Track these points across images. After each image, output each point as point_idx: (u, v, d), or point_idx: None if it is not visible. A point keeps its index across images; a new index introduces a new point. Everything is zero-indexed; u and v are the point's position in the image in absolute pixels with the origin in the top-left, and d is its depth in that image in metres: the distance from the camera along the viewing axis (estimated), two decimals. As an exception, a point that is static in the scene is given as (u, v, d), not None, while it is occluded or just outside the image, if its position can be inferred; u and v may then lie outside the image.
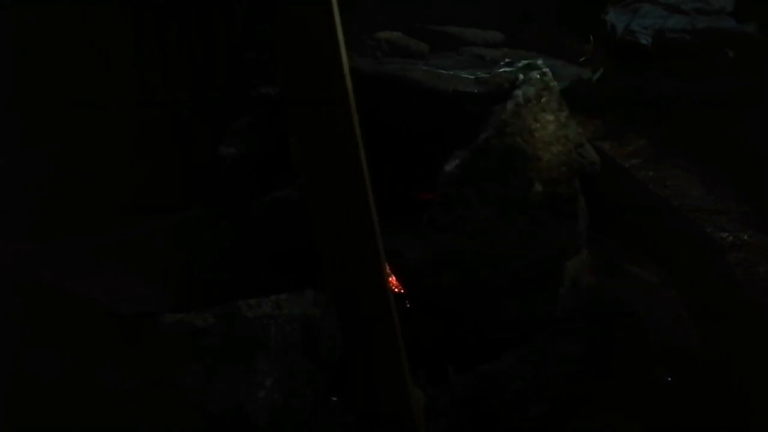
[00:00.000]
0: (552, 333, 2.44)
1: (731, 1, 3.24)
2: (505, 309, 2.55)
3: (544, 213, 2.55)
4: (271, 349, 2.18)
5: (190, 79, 3.44)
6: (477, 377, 2.35)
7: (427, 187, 2.72)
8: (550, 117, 2.61)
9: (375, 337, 2.07)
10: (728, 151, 2.88)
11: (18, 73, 3.12)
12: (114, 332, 2.47)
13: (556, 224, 2.57)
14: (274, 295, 2.28)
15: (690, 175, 2.91)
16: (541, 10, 4.08)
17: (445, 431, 2.26)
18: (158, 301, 2.63)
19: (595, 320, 2.40)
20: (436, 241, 2.57)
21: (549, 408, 2.27)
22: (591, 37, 3.61)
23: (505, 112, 2.59)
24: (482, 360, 2.41)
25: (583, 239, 2.70)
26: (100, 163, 3.21)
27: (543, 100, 2.62)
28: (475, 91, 2.77)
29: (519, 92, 2.62)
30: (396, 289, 2.63)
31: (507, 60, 2.96)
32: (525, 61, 2.79)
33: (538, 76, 2.65)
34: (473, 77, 2.84)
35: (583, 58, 3.62)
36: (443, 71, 2.93)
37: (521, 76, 2.69)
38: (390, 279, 2.48)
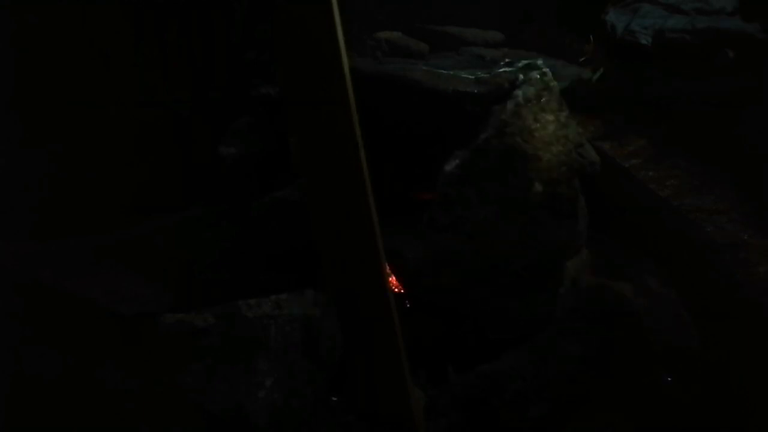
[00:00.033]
0: (552, 333, 2.44)
1: (731, 1, 3.24)
2: (505, 309, 2.55)
3: (544, 213, 2.55)
4: (271, 349, 2.18)
5: (190, 79, 3.44)
6: (477, 377, 2.35)
7: (427, 187, 2.72)
8: (550, 117, 2.61)
9: (375, 337, 2.07)
10: (728, 151, 2.88)
11: (18, 73, 3.12)
12: (114, 332, 2.47)
13: (556, 224, 2.57)
14: (274, 295, 2.28)
15: (690, 175, 2.91)
16: (541, 10, 4.08)
17: (445, 431, 2.26)
18: (158, 301, 2.64)
19: (595, 320, 2.40)
20: (436, 241, 2.57)
21: (549, 408, 2.27)
22: (591, 37, 3.61)
23: (505, 112, 2.59)
24: (482, 360, 2.41)
25: (583, 239, 2.70)
26: (100, 163, 3.21)
27: (543, 100, 2.62)
28: (475, 91, 2.77)
29: (519, 92, 2.62)
30: (396, 289, 2.63)
31: (507, 60, 2.96)
32: (525, 61, 2.79)
33: (538, 76, 2.66)
34: (473, 77, 2.84)
35: (583, 58, 3.62)
36: (443, 71, 2.93)
37: (521, 76, 2.69)
38: (390, 279, 2.48)
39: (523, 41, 3.85)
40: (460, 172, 2.57)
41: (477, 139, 2.59)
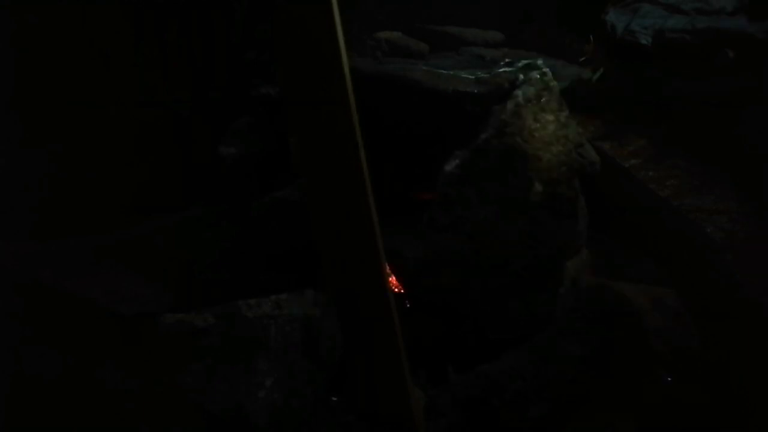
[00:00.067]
0: (552, 333, 2.44)
1: (731, 1, 3.24)
2: (505, 309, 2.55)
3: (544, 213, 2.55)
4: (271, 349, 2.18)
5: (190, 79, 3.44)
6: (477, 377, 2.35)
7: (427, 187, 2.72)
8: (550, 117, 2.61)
9: (375, 337, 2.07)
10: (728, 151, 2.88)
11: (18, 73, 3.12)
12: (114, 332, 2.47)
13: (556, 224, 2.57)
14: (274, 295, 2.28)
15: (690, 175, 2.91)
16: (541, 10, 4.08)
17: (445, 431, 2.26)
18: (158, 301, 2.64)
19: (595, 320, 2.40)
20: (436, 241, 2.57)
21: (549, 408, 2.27)
22: (591, 37, 3.61)
23: (505, 112, 2.59)
24: (482, 360, 2.40)
25: (583, 239, 2.70)
26: (100, 163, 3.21)
27: (543, 100, 2.62)
28: (475, 91, 2.77)
29: (519, 92, 2.62)
30: (396, 289, 2.63)
31: (507, 60, 2.96)
32: (525, 61, 2.79)
33: (538, 76, 2.66)
34: (473, 77, 2.84)
35: (583, 58, 3.61)
36: (443, 71, 2.93)
37: (521, 76, 2.69)
38: (390, 279, 2.48)
39: (523, 41, 3.85)
40: (460, 172, 2.57)
41: (477, 139, 2.59)
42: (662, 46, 3.12)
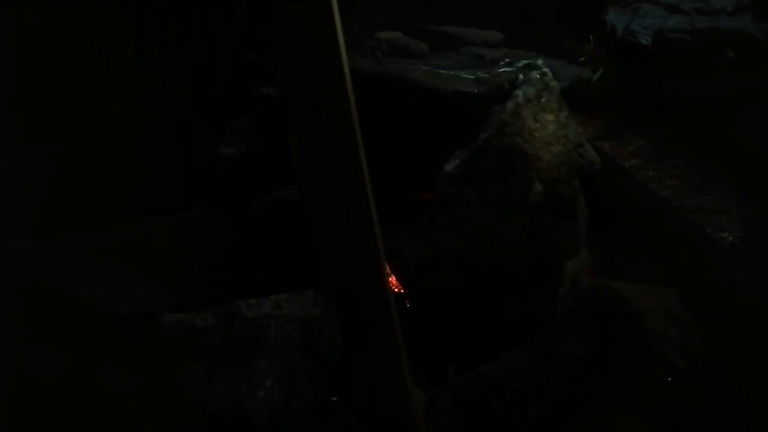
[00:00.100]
0: (552, 333, 2.44)
1: (731, 1, 3.24)
2: (505, 309, 2.55)
3: (544, 213, 2.55)
4: (271, 349, 2.18)
5: (190, 79, 3.44)
6: (477, 377, 2.35)
7: (427, 187, 2.72)
8: (550, 117, 2.61)
9: (375, 337, 2.07)
10: (728, 151, 2.88)
11: (18, 73, 3.12)
12: (114, 332, 2.47)
13: (556, 224, 2.57)
14: (274, 295, 2.28)
15: (690, 175, 2.91)
16: (541, 10, 4.08)
17: (445, 431, 2.26)
18: (158, 301, 2.64)
19: (595, 320, 2.40)
20: (436, 241, 2.57)
21: (549, 408, 2.27)
22: (591, 37, 3.61)
23: (505, 112, 2.59)
24: (482, 360, 2.41)
25: (583, 239, 2.70)
26: (100, 163, 3.21)
27: (543, 100, 2.62)
28: (475, 91, 2.77)
29: (519, 92, 2.62)
30: (396, 289, 2.63)
31: (507, 60, 2.96)
32: (525, 61, 2.79)
33: (538, 76, 2.65)
34: (473, 77, 2.84)
35: (583, 58, 3.62)
36: (443, 71, 2.93)
37: (521, 76, 2.69)
38: (390, 279, 2.48)
39: (523, 41, 3.85)
40: (460, 172, 2.57)
41: (477, 139, 2.59)
42: (662, 46, 3.12)
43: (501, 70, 2.82)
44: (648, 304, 2.44)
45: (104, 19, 3.28)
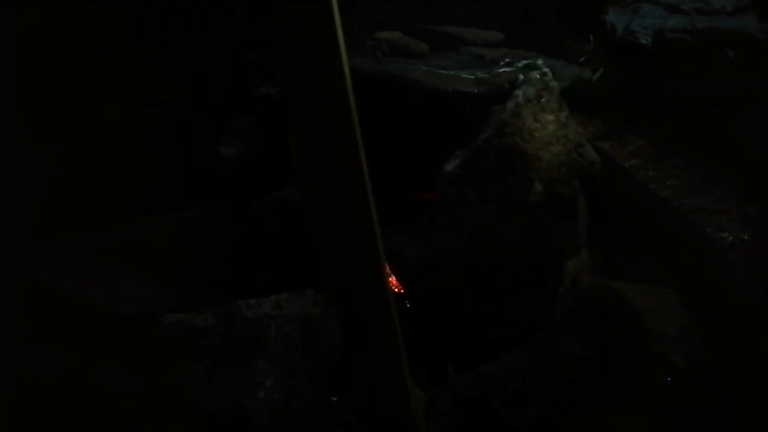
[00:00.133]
0: (552, 333, 2.44)
1: (731, 1, 3.24)
2: (505, 309, 2.55)
3: (544, 213, 2.55)
4: (271, 349, 2.18)
5: (190, 79, 3.44)
6: (477, 377, 2.35)
7: (427, 187, 2.72)
8: (550, 117, 2.61)
9: (375, 337, 2.07)
10: (728, 151, 2.88)
11: (18, 73, 3.12)
12: (114, 332, 2.47)
13: (556, 224, 2.57)
14: (274, 295, 2.28)
15: (690, 175, 2.91)
16: (541, 10, 4.08)
17: (445, 431, 2.26)
18: (158, 301, 2.64)
19: (595, 320, 2.40)
20: (436, 241, 2.57)
21: (549, 408, 2.27)
22: (591, 37, 3.61)
23: (505, 112, 2.59)
24: (482, 360, 2.41)
25: (583, 239, 2.70)
26: (100, 163, 3.21)
27: (543, 100, 2.62)
28: (475, 91, 2.77)
29: (519, 92, 2.62)
30: (396, 289, 2.63)
31: (507, 60, 2.96)
32: (525, 61, 2.79)
33: (538, 76, 2.65)
34: (473, 77, 2.84)
35: (583, 58, 3.62)
36: (443, 71, 2.93)
37: (521, 76, 2.69)
38: (390, 279, 2.48)
39: (523, 41, 3.85)
40: (460, 172, 2.57)
41: (477, 139, 2.59)
42: (662, 46, 3.12)
43: (501, 70, 2.82)
44: (648, 304, 2.44)
45: (104, 19, 3.28)
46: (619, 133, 3.09)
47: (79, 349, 2.40)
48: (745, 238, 2.63)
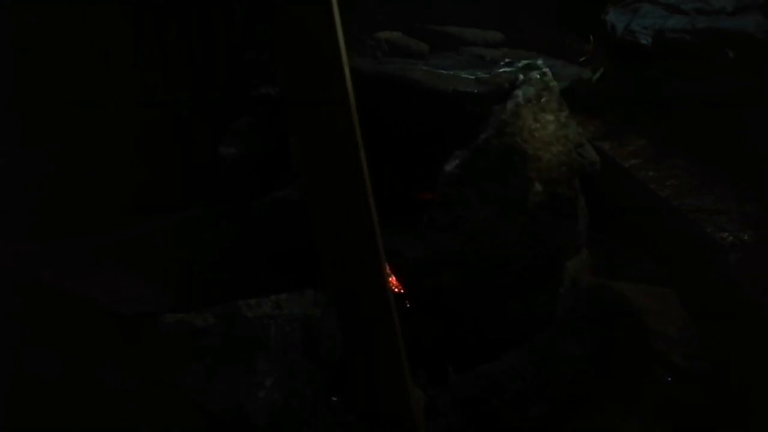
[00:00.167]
0: (552, 333, 2.44)
1: (731, 1, 3.24)
2: (505, 309, 2.55)
3: (544, 213, 2.55)
4: (271, 349, 2.18)
5: (190, 79, 3.44)
6: (477, 377, 2.35)
7: (427, 187, 2.72)
8: (550, 117, 2.61)
9: (375, 337, 2.07)
10: (728, 151, 2.88)
11: (18, 73, 3.12)
12: (114, 332, 2.47)
13: (556, 224, 2.57)
14: (274, 295, 2.28)
15: (690, 175, 2.91)
16: (541, 10, 4.08)
17: (445, 431, 2.26)
18: (158, 301, 2.64)
19: (595, 320, 2.40)
20: (436, 241, 2.57)
21: (549, 408, 2.27)
22: (591, 37, 3.61)
23: (505, 112, 2.59)
24: (482, 360, 2.41)
25: (583, 239, 2.70)
26: (100, 163, 3.21)
27: (543, 100, 2.62)
28: (475, 91, 2.77)
29: (519, 92, 2.62)
30: (396, 289, 2.63)
31: (507, 60, 2.96)
32: (525, 61, 2.79)
33: (538, 76, 2.65)
34: (473, 77, 2.84)
35: (583, 58, 3.62)
36: (443, 71, 2.93)
37: (521, 76, 2.69)
38: (390, 279, 2.48)
39: (523, 41, 3.85)
40: (460, 172, 2.57)
41: (477, 139, 2.59)
42: (662, 46, 3.12)
43: (501, 70, 2.82)
44: (648, 304, 2.44)
45: (104, 19, 3.28)
46: (619, 133, 3.09)
47: (79, 349, 2.40)
48: (745, 238, 2.63)
